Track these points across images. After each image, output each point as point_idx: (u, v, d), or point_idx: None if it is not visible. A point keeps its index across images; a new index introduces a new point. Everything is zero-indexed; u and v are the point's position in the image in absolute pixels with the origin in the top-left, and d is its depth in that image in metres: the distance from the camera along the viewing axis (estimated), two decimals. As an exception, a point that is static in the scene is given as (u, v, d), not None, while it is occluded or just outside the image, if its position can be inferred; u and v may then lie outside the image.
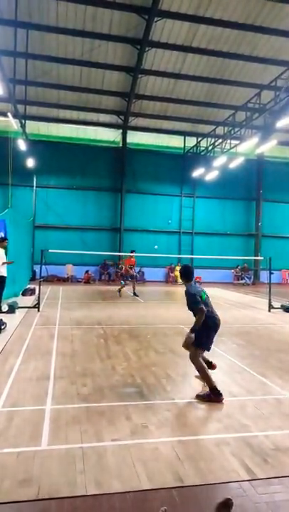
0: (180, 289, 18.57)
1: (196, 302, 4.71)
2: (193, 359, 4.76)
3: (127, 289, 15.46)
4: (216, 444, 3.51)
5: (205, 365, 4.82)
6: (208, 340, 4.82)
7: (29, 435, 3.56)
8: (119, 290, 14.87)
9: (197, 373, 4.88)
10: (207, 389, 4.62)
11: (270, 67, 16.67)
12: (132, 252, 15.40)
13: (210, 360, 5.15)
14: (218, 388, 4.56)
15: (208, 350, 4.90)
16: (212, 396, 4.52)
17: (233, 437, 3.65)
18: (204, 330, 4.69)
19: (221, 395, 4.53)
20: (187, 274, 4.96)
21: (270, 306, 11.74)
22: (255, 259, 22.71)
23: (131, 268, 15.10)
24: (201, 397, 4.59)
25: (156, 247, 21.46)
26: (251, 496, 2.79)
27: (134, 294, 14.77)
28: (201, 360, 4.81)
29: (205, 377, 4.69)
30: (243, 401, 4.58)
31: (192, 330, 4.67)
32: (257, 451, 3.40)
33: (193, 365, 4.81)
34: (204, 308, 4.63)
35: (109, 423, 3.86)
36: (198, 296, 4.76)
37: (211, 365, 5.09)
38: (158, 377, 5.32)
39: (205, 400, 4.52)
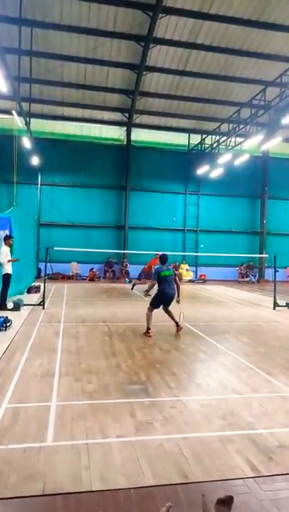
0: (185, 287, 18.54)
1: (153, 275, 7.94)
2: (147, 312, 7.86)
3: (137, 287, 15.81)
4: (221, 441, 3.52)
5: (151, 316, 7.78)
6: (157, 303, 7.90)
7: (35, 431, 3.59)
8: (133, 284, 15.94)
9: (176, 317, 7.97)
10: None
11: (275, 63, 16.55)
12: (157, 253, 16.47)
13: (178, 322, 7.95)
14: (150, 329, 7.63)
15: (156, 308, 7.89)
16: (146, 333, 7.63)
17: (237, 435, 3.65)
18: (156, 296, 7.87)
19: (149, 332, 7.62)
20: (161, 259, 8.14)
21: (275, 304, 11.71)
22: (260, 257, 22.63)
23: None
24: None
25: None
26: (256, 493, 2.80)
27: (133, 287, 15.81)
28: (150, 313, 7.80)
29: (147, 320, 7.74)
30: (248, 399, 4.58)
31: (145, 291, 8.07)
32: (262, 449, 3.40)
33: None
34: (155, 281, 7.76)
35: (114, 420, 3.87)
36: (156, 273, 7.78)
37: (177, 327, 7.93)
38: (163, 375, 5.33)
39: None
